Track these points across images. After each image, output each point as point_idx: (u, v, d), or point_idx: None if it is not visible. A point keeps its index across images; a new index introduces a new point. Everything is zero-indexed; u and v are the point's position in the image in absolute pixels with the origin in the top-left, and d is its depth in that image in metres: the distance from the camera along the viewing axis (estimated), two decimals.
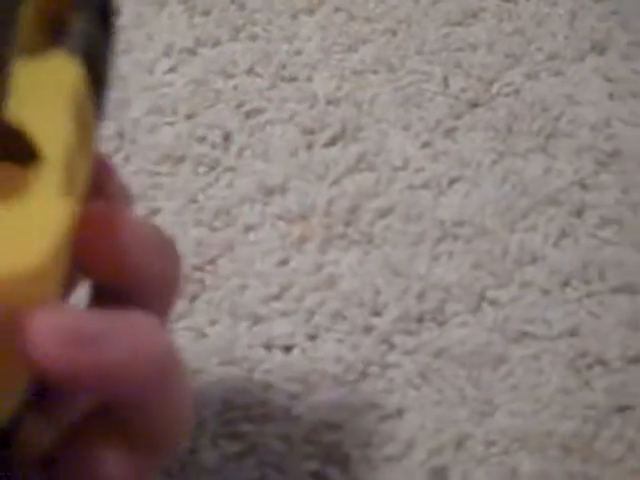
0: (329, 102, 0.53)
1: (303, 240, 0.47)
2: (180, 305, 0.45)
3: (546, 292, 0.45)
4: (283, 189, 0.49)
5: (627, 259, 0.46)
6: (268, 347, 0.43)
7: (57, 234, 0.19)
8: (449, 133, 0.52)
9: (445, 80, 0.54)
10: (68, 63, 0.20)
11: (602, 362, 0.42)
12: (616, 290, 0.45)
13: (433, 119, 0.52)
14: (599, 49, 0.56)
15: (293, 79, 0.55)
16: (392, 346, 0.43)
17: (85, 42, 0.20)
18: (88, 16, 0.21)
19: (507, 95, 0.54)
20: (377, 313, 0.44)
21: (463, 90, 0.54)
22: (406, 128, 0.52)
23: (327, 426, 0.41)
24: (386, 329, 0.44)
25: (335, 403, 0.41)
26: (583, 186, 0.49)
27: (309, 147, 0.51)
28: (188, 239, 0.48)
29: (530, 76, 0.55)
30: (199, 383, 0.41)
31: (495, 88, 0.54)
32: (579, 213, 0.48)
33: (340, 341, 0.44)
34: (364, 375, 0.43)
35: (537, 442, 0.41)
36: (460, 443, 0.40)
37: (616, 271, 0.45)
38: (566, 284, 0.45)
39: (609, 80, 0.54)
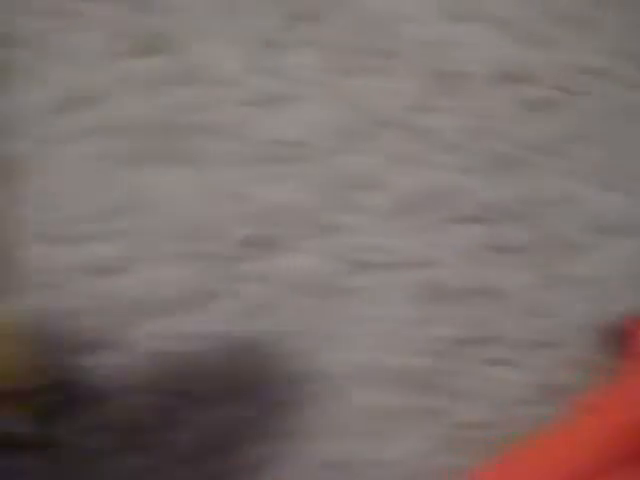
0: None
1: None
2: None
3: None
4: (93, 100, 0.44)
5: (465, 183, 0.44)
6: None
7: None
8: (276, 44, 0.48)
9: None
10: None
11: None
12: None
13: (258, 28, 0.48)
14: None
15: None
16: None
17: None
18: None
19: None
20: (207, 238, 0.40)
21: None
22: (231, 39, 0.48)
23: None
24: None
25: None
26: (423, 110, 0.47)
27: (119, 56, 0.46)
28: None
29: None
30: None
31: None
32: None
33: None
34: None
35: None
36: None
37: (464, 198, 0.44)
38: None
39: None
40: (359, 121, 0.45)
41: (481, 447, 0.39)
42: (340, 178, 0.43)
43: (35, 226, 0.39)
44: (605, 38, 0.51)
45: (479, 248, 0.42)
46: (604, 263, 0.42)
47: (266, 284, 0.39)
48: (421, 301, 0.40)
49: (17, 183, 0.40)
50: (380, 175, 0.44)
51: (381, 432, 0.38)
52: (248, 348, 0.37)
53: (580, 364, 0.39)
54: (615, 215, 0.44)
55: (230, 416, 0.37)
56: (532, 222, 0.43)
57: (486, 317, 0.40)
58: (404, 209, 0.43)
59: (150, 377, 0.35)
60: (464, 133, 0.46)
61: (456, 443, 0.38)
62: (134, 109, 0.44)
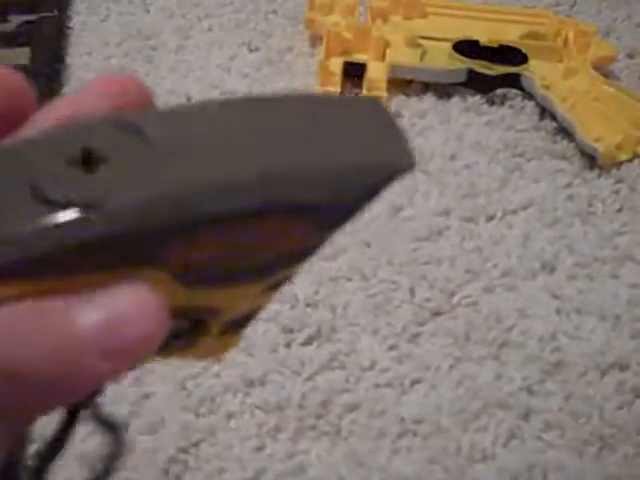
0: (308, 304, 0.60)
1: (278, 429, 0.53)
2: None
3: None
4: (262, 382, 0.55)
5: (568, 463, 0.51)
6: None
7: None
8: (413, 338, 0.58)
9: (411, 290, 0.61)
10: None
11: None
12: None
13: (399, 325, 0.59)
14: (548, 269, 0.63)
15: None
16: None
17: None
18: None
19: (466, 306, 0.61)
20: None
21: (427, 300, 0.61)
22: (375, 332, 0.59)
23: None
24: None
25: None
26: (530, 392, 0.55)
27: (288, 345, 0.57)
28: (175, 422, 0.53)
29: (487, 290, 0.62)
30: None
31: (455, 299, 0.61)
32: (526, 417, 0.54)
33: None
34: None
35: None
36: None
37: (558, 474, 0.51)
38: None
39: (556, 297, 0.61)
40: (475, 402, 0.54)
41: None
42: (455, 452, 0.52)
43: None
44: None
45: None
46: None
47: None
48: None
49: None
50: (489, 449, 0.52)
51: None
52: None
53: None
54: None
55: None
56: None
57: None
58: None
59: None
60: (564, 414, 0.53)
61: None
62: (293, 390, 0.55)
